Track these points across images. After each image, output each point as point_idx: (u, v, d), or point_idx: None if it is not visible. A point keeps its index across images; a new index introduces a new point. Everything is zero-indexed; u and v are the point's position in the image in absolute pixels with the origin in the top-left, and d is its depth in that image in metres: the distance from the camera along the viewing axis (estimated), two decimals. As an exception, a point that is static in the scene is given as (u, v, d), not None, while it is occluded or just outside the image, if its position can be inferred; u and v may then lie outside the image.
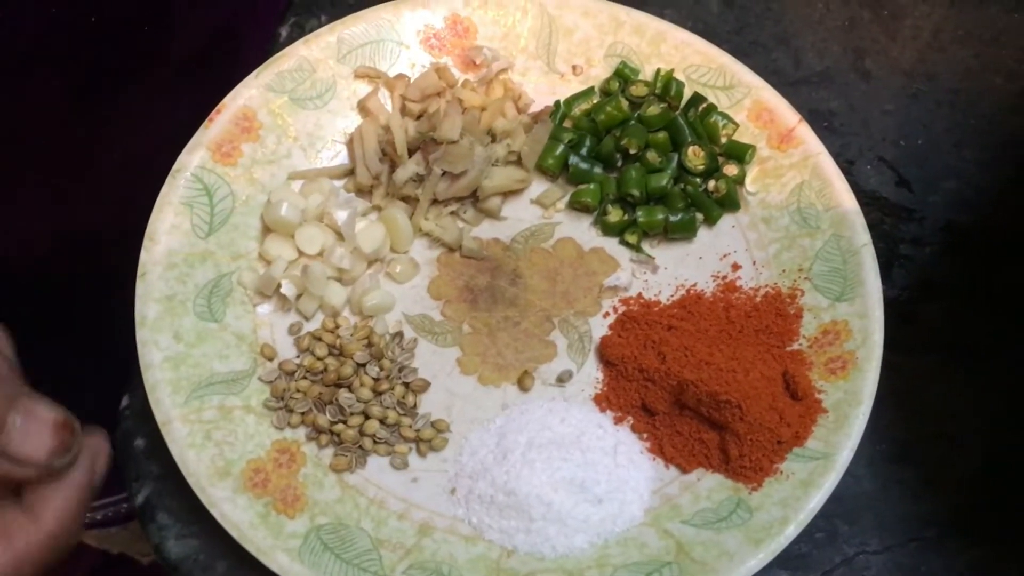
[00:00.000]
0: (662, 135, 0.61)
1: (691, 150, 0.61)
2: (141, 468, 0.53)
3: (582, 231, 0.61)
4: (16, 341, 0.44)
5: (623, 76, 0.63)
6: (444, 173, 0.59)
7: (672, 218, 0.59)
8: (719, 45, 0.64)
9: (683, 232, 0.60)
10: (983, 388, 0.58)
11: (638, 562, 0.49)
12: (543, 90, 0.64)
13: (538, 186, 0.62)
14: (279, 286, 0.55)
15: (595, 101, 0.63)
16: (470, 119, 0.61)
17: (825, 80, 0.68)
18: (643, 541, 0.50)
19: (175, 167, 0.56)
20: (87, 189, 0.62)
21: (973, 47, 0.70)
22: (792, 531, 0.49)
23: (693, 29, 0.65)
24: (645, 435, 0.54)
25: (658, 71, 0.63)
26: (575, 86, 0.64)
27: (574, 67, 0.64)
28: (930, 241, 0.63)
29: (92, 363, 0.62)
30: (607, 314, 0.58)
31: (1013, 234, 0.63)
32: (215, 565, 0.51)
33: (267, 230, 0.57)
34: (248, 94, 0.59)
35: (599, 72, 0.64)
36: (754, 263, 0.59)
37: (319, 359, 0.54)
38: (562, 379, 0.56)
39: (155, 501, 0.52)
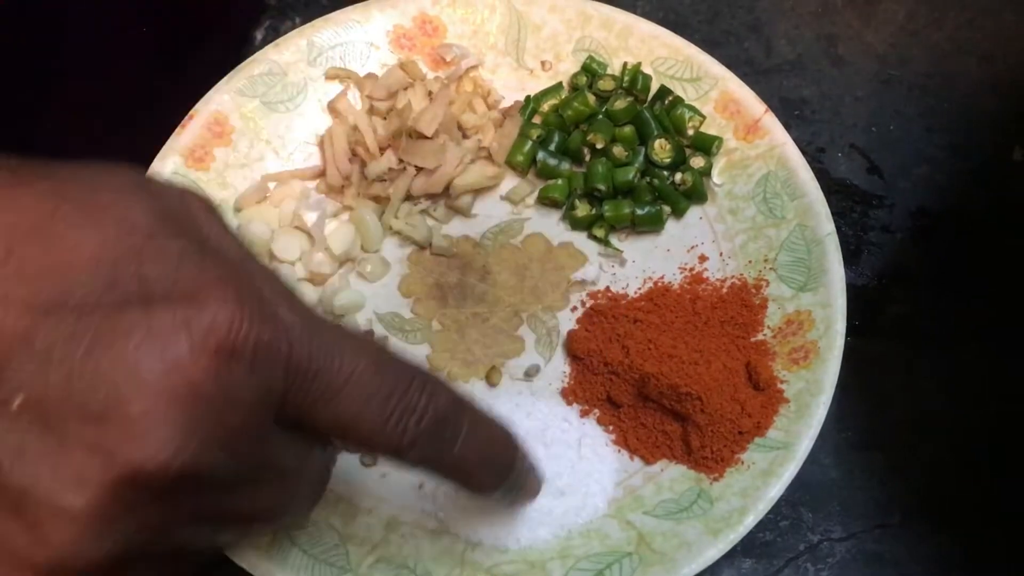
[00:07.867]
0: (628, 129, 0.62)
1: (658, 143, 0.61)
2: (120, 468, 0.55)
3: (551, 226, 0.61)
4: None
5: (591, 71, 0.63)
6: (418, 171, 0.60)
7: (639, 211, 0.60)
8: (690, 35, 0.64)
9: (650, 225, 0.60)
10: (950, 375, 0.58)
11: (599, 553, 0.50)
12: (513, 86, 0.65)
13: (508, 182, 0.62)
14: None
15: (563, 96, 0.63)
16: (445, 117, 0.61)
17: (797, 68, 0.68)
18: (605, 532, 0.51)
19: (147, 174, 0.57)
20: None
21: (947, 30, 0.70)
22: (751, 521, 0.50)
23: (664, 20, 0.65)
24: (611, 427, 0.55)
25: (625, 65, 0.63)
26: (545, 81, 0.64)
27: (543, 63, 0.65)
28: (900, 227, 0.63)
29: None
30: (575, 308, 0.59)
31: (983, 219, 0.63)
32: (191, 561, 0.52)
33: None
34: (220, 99, 0.60)
35: (568, 67, 0.64)
36: (721, 254, 0.59)
37: (290, 359, 0.55)
38: (529, 374, 0.57)
39: (133, 500, 0.54)
